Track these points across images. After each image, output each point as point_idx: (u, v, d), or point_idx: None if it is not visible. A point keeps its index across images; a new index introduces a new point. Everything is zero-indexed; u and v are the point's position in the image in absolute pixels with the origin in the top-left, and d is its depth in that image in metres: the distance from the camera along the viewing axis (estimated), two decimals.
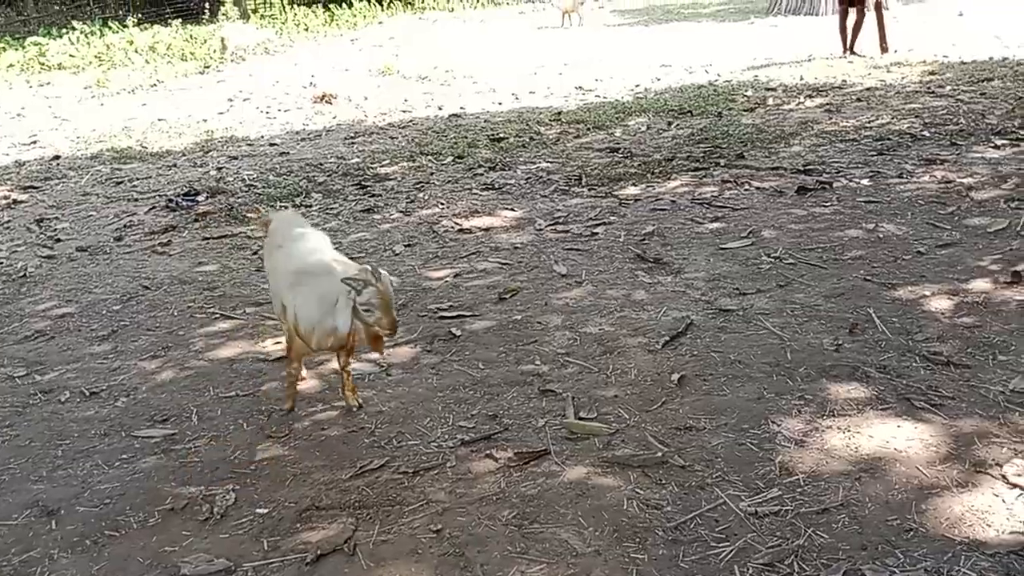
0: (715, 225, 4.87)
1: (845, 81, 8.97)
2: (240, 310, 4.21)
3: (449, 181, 6.27)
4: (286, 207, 5.70)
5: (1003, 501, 2.33)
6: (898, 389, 2.96)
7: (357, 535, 2.43)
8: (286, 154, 7.60)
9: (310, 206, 5.87)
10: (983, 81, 8.40)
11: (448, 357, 3.53)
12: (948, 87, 8.25)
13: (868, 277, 3.94)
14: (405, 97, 10.32)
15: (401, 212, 5.57)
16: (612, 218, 5.16)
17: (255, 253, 5.02)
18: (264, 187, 6.41)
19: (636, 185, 5.81)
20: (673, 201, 5.37)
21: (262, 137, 8.52)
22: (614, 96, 9.42)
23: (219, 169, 7.18)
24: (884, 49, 10.67)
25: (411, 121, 8.85)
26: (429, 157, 7.02)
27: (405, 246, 4.93)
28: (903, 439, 2.66)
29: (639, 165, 6.28)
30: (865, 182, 5.38)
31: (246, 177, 6.76)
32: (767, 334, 3.48)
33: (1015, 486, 2.39)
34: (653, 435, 2.81)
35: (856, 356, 3.22)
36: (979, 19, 13.41)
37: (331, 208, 5.80)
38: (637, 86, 9.94)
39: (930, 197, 5.00)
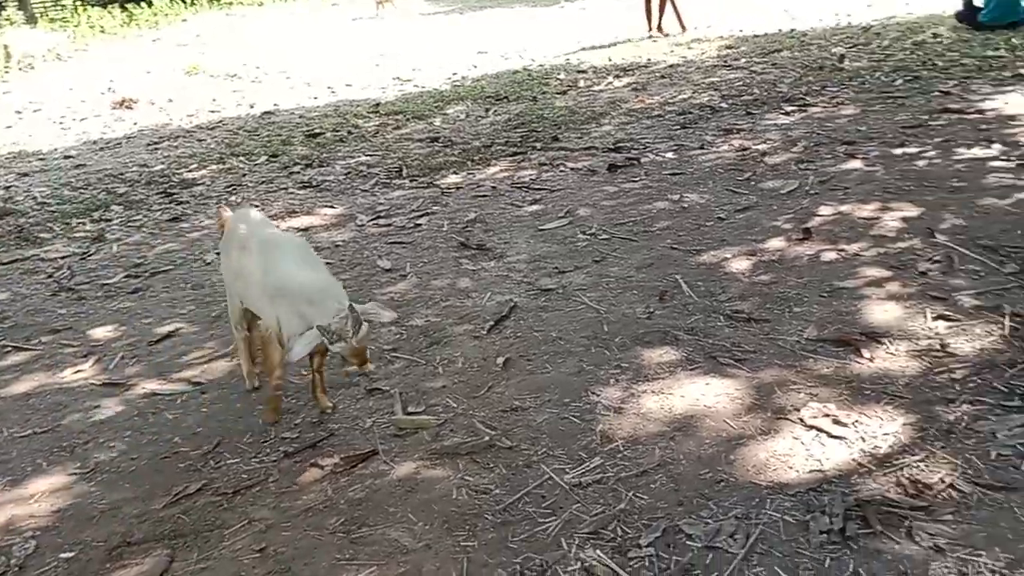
0: (534, 207, 4.95)
1: (650, 60, 9.38)
2: (35, 339, 3.86)
3: (263, 182, 6.03)
4: (83, 223, 5.28)
5: (802, 443, 2.51)
6: (705, 348, 3.13)
7: (174, 567, 2.28)
8: (83, 166, 7.05)
9: (110, 220, 5.48)
10: (773, 52, 9.02)
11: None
12: (743, 60, 8.80)
13: (675, 246, 4.14)
14: (213, 97, 9.84)
15: (211, 219, 5.30)
16: (435, 208, 5.14)
17: (50, 276, 4.62)
18: (58, 204, 5.92)
19: (457, 173, 5.82)
20: (493, 187, 5.42)
21: (56, 150, 7.87)
22: (432, 85, 9.40)
23: (7, 188, 6.56)
24: (683, 28, 11.31)
25: (220, 122, 8.45)
26: (241, 158, 6.72)
27: (217, 254, 4.68)
28: (711, 395, 2.81)
29: (459, 153, 6.30)
30: (670, 155, 5.64)
31: (37, 195, 6.22)
32: (585, 309, 3.57)
33: (811, 427, 2.57)
34: (481, 421, 2.81)
35: (666, 321, 3.37)
36: None
37: (133, 220, 5.44)
38: (454, 74, 9.96)
39: (729, 165, 5.32)
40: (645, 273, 3.87)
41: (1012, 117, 5.66)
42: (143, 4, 20.06)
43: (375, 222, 4.97)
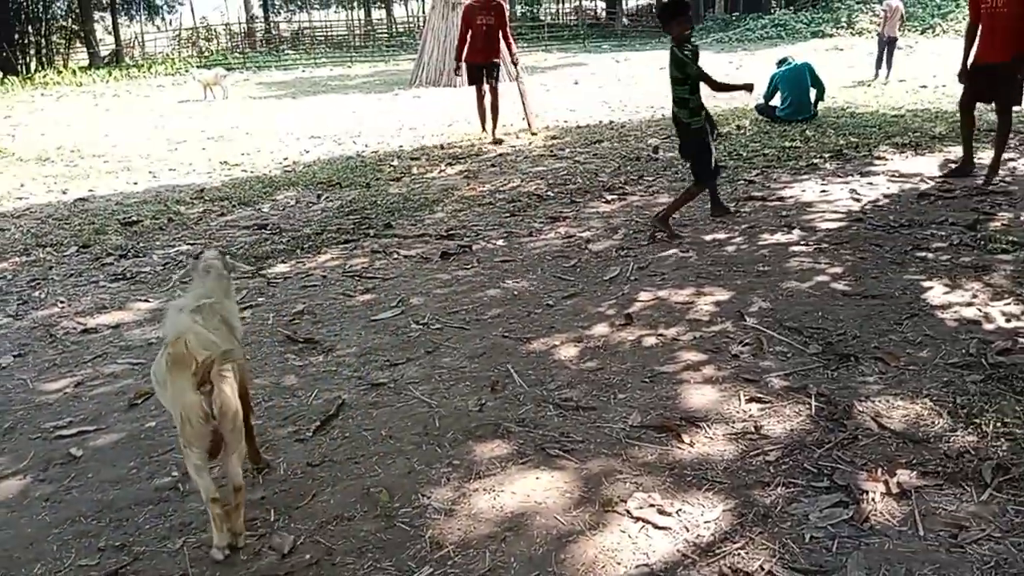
0: (366, 297, 4.87)
1: (481, 149, 9.65)
2: None
3: (72, 275, 5.60)
4: None
5: (629, 536, 2.52)
6: (535, 440, 3.13)
7: None
8: None
9: None
10: (595, 143, 9.53)
11: (67, 483, 3.07)
12: (567, 149, 9.23)
13: (506, 334, 4.17)
14: (22, 183, 9.16)
15: (11, 316, 4.84)
16: (260, 299, 4.94)
17: None
18: None
19: (286, 262, 5.65)
20: (324, 276, 5.29)
21: None
22: (262, 170, 9.20)
23: None
24: (534, 131, 10.38)
25: (27, 209, 7.84)
26: (48, 248, 6.23)
27: (15, 356, 4.27)
28: (542, 490, 2.80)
29: (288, 241, 6.14)
30: (500, 243, 5.76)
31: None
32: (417, 403, 3.50)
33: (637, 519, 2.60)
34: (303, 534, 2.65)
35: (498, 413, 3.36)
36: (591, 87, 15.32)
37: None
38: (285, 159, 9.81)
39: (556, 252, 5.48)
40: (478, 363, 3.87)
41: (808, 204, 6.22)
42: None
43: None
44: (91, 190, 8.62)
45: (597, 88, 15.00)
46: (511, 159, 8.77)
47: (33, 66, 25.08)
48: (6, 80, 19.82)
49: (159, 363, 2.60)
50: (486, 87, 10.08)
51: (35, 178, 9.39)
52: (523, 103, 10.52)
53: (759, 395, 3.37)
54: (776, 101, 9.96)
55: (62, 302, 5.04)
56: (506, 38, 10.14)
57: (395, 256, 5.62)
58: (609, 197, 6.85)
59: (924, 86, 13.08)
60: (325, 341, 4.24)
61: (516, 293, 4.75)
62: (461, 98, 14.76)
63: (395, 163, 9.01)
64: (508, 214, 6.55)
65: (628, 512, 2.64)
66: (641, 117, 11.20)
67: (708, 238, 5.53)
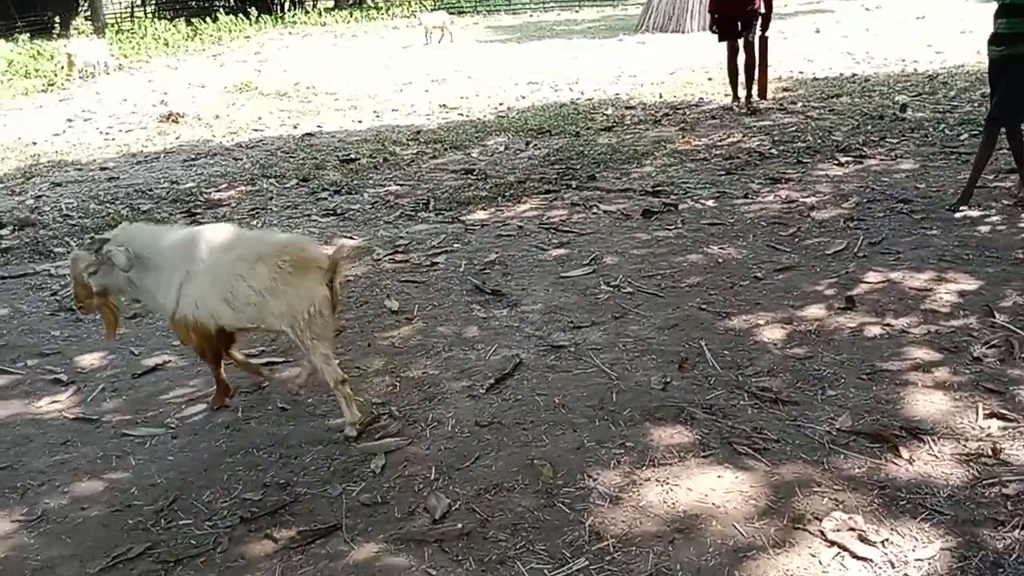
0: (559, 252, 4.67)
1: (702, 99, 9.05)
2: (20, 363, 3.70)
3: (289, 206, 5.87)
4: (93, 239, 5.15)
5: (820, 563, 2.16)
6: (723, 432, 2.79)
7: None
8: (116, 179, 7.00)
9: None
10: (832, 97, 8.62)
11: (247, 412, 3.16)
12: (799, 103, 8.42)
13: (704, 306, 3.80)
14: (260, 115, 9.82)
15: None
16: (456, 246, 4.89)
17: (55, 294, 4.49)
18: (81, 217, 5.83)
19: (485, 209, 5.57)
20: (520, 226, 5.15)
21: (94, 161, 7.86)
22: (477, 115, 9.22)
23: (37, 198, 6.52)
24: (764, 94, 8.46)
25: (261, 140, 8.37)
26: (272, 180, 6.58)
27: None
28: (722, 491, 2.47)
29: (491, 187, 6.05)
30: (710, 203, 5.31)
31: (64, 207, 6.15)
32: (596, 372, 3.26)
33: (833, 543, 2.22)
34: (460, 499, 2.52)
35: (683, 395, 3.04)
36: (834, 37, 13.97)
37: None
38: (501, 104, 9.77)
39: (773, 218, 4.96)
40: (667, 335, 3.55)
41: None
42: (208, 19, 20.46)
43: (392, 257, 4.74)
44: (319, 126, 9.05)
45: (841, 38, 13.63)
46: (734, 111, 8.12)
47: (286, 6, 26.96)
48: (260, 19, 21.47)
49: (252, 277, 2.79)
50: (740, 43, 8.10)
51: (272, 112, 10.03)
52: (762, 60, 8.27)
53: (1002, 410, 2.80)
54: None
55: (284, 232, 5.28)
56: None
57: (595, 210, 5.36)
58: (843, 159, 6.12)
59: None
60: (512, 294, 4.09)
61: (721, 261, 4.33)
62: (688, 45, 14.03)
63: (609, 112, 8.67)
64: (723, 172, 6.05)
65: (822, 533, 2.26)
66: (889, 71, 10.00)
67: (957, 215, 4.76)
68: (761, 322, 3.61)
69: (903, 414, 2.83)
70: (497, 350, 3.52)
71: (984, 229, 4.51)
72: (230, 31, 19.97)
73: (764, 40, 8.16)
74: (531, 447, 2.77)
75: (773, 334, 3.50)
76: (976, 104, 7.63)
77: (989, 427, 2.73)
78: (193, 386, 3.40)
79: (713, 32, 8.39)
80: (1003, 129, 4.82)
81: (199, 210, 5.85)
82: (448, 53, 15.79)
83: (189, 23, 20.26)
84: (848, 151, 6.36)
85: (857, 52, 11.91)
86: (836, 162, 6.08)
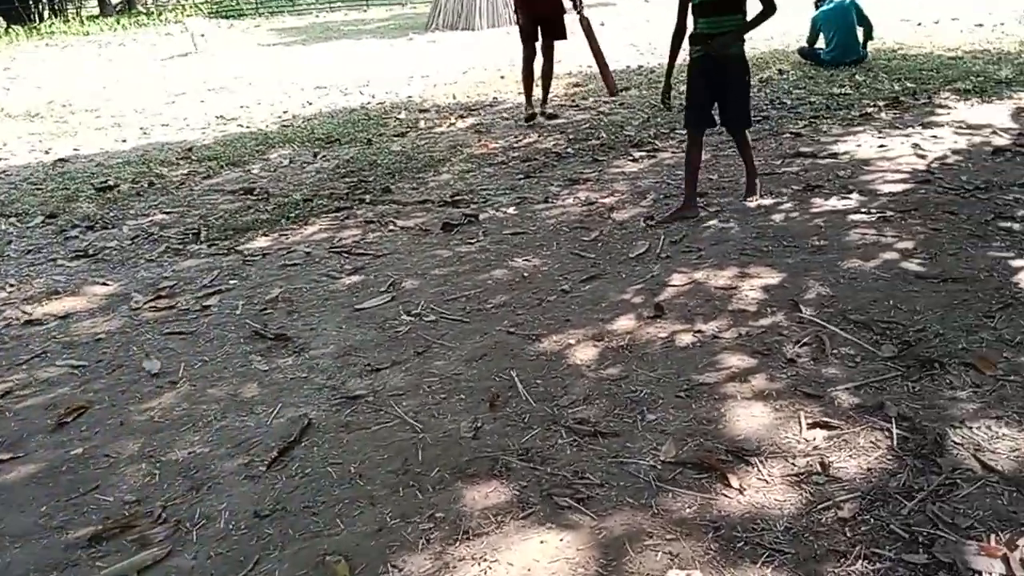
0: (353, 279, 4.21)
1: (496, 99, 8.85)
2: None
3: (31, 250, 4.99)
4: None
5: None
6: (541, 482, 2.47)
7: None
8: None
9: None
10: (622, 91, 8.66)
11: None
12: (591, 99, 8.41)
13: (512, 328, 3.49)
14: (4, 141, 8.55)
15: None
16: (232, 282, 4.30)
17: None
18: None
19: (267, 235, 4.99)
20: (308, 252, 4.63)
21: None
22: (259, 125, 8.50)
23: None
24: (613, 91, 7.41)
25: (4, 172, 7.23)
26: (12, 219, 5.63)
27: None
28: (547, 561, 2.14)
29: (274, 209, 5.47)
30: (512, 211, 5.04)
31: None
32: (398, 425, 2.85)
33: None
34: None
35: (497, 440, 2.70)
36: (616, 29, 14.30)
37: None
38: (285, 112, 9.10)
39: (575, 222, 4.76)
40: (476, 368, 3.20)
41: (866, 161, 5.42)
42: None
43: (153, 304, 4.07)
44: (76, 149, 7.99)
45: (623, 30, 14.00)
46: (535, 121, 7.93)
47: (46, 15, 24.35)
48: (10, 30, 19.17)
49: None
50: (538, 45, 7.35)
51: (20, 136, 8.78)
52: (595, 53, 7.13)
53: (824, 418, 2.68)
54: (820, 44, 9.01)
55: (11, 285, 4.44)
56: None
57: (391, 227, 4.94)
58: (636, 154, 6.07)
59: (980, 24, 11.96)
60: (299, 337, 3.59)
61: (526, 275, 4.05)
62: (479, 43, 13.88)
63: (401, 116, 8.26)
64: (521, 175, 5.81)
65: None
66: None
67: (752, 204, 4.77)
68: (572, 341, 3.35)
69: (726, 434, 2.65)
70: (281, 411, 3.02)
71: (778, 218, 4.52)
72: None
73: (585, 21, 7.06)
74: (322, 537, 2.32)
75: (586, 354, 3.24)
76: (755, 90, 7.90)
77: (814, 438, 2.59)
78: None
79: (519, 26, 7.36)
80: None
81: None
82: (228, 59, 14.72)
83: None
84: (641, 145, 6.33)
85: (640, 43, 12.22)
86: (631, 158, 6.01)
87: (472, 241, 4.59)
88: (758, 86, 8.04)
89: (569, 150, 6.36)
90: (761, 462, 2.49)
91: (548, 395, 2.97)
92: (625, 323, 3.47)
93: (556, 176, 5.70)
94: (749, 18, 4.43)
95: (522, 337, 3.42)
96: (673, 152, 6.07)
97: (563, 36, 7.39)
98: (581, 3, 7.13)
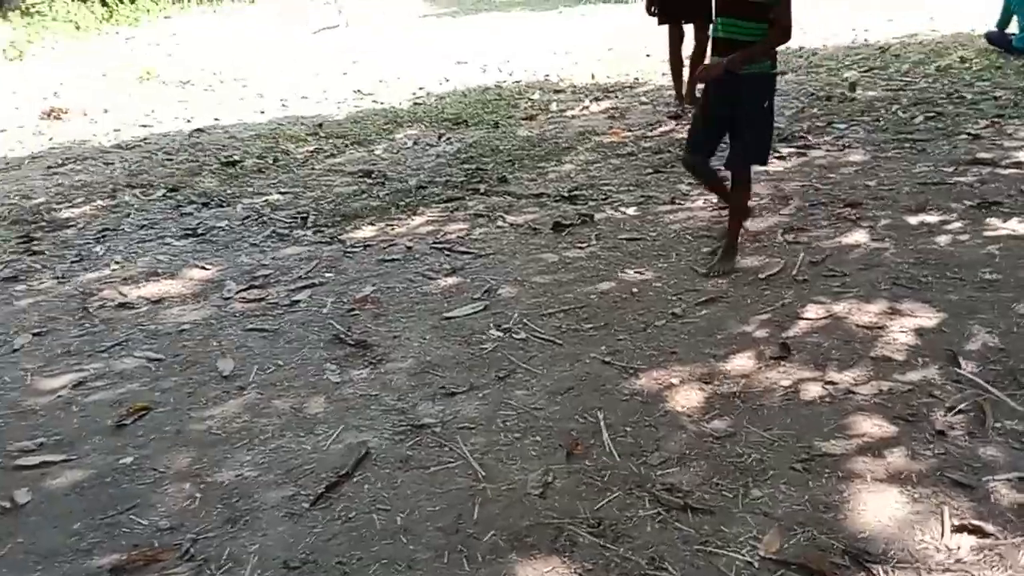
0: (449, 281, 3.90)
1: (637, 79, 8.30)
2: None
3: (145, 225, 5.00)
4: None
5: None
6: (610, 567, 2.07)
7: None
8: None
9: None
10: (778, 74, 7.89)
11: None
12: None
13: (608, 357, 3.07)
14: (153, 108, 8.83)
15: (57, 278, 4.27)
16: (327, 275, 4.09)
17: None
18: None
19: (374, 224, 4.77)
20: (409, 247, 4.36)
21: None
22: (393, 102, 8.35)
23: None
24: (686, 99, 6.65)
25: (144, 139, 7.43)
26: (136, 191, 5.70)
27: (34, 335, 3.65)
28: None
29: (387, 195, 5.25)
30: (632, 211, 4.57)
31: None
32: (460, 468, 2.52)
33: None
34: None
35: (567, 502, 2.32)
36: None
37: None
38: (420, 89, 8.91)
39: (700, 229, 4.25)
40: (559, 404, 2.82)
41: None
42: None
43: (244, 294, 3.93)
44: (216, 119, 8.13)
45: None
46: (669, 94, 7.36)
47: None
48: None
49: None
50: (687, 29, 6.51)
51: (169, 103, 9.06)
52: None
53: (975, 519, 2.13)
54: (1013, 28, 7.84)
55: (117, 263, 4.43)
56: None
57: (500, 223, 4.59)
58: (784, 151, 5.41)
59: None
60: (379, 346, 3.32)
61: (635, 291, 3.61)
62: (630, 17, 13.22)
63: (534, 96, 7.87)
64: (650, 170, 5.31)
65: None
66: (837, 43, 9.31)
67: (913, 220, 4.09)
68: (675, 380, 2.89)
69: (847, 527, 2.14)
70: (342, 434, 2.76)
71: (943, 240, 3.83)
72: (148, 11, 18.66)
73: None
74: None
75: (689, 399, 2.78)
76: (931, 80, 6.98)
77: (959, 547, 2.05)
78: None
79: (652, 15, 6.57)
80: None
81: (38, 234, 4.96)
82: (376, 32, 14.80)
83: (104, 4, 18.89)
84: (791, 140, 5.66)
85: (803, 19, 11.21)
86: (777, 154, 5.35)
87: (583, 245, 4.17)
88: (934, 76, 7.09)
89: None
90: (885, 573, 1.98)
91: (636, 448, 2.54)
92: (742, 363, 2.97)
93: (687, 172, 5.15)
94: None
95: (618, 369, 2.99)
96: (828, 151, 5.37)
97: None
98: None
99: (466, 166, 5.75)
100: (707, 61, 4.14)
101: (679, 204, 4.65)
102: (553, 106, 7.37)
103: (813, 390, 2.77)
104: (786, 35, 3.43)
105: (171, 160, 6.51)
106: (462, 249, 4.27)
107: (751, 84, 3.48)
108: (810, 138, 5.68)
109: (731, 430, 2.60)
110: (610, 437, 2.60)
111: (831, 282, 3.52)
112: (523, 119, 7.00)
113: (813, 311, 3.28)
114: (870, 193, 4.50)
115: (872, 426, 2.54)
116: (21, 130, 8.30)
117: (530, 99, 7.77)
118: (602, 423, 2.67)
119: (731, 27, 3.42)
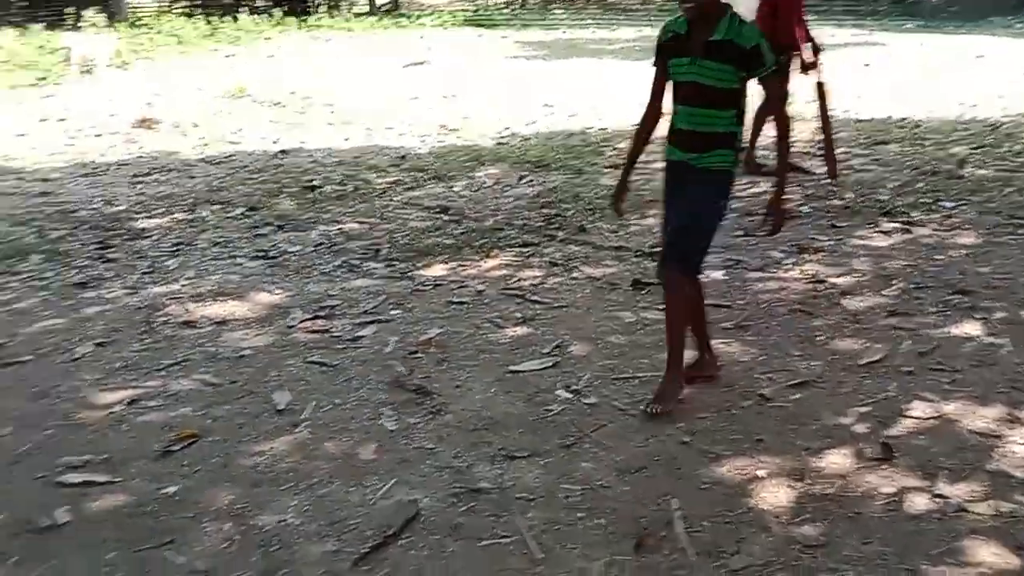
0: (517, 331, 3.70)
1: None
2: None
3: (219, 243, 4.96)
4: None
5: None
6: None
7: None
8: (48, 194, 6.18)
9: (18, 273, 4.49)
10: (878, 144, 7.57)
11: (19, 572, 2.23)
12: (840, 149, 7.37)
13: (687, 437, 2.81)
14: (242, 126, 8.97)
15: (127, 289, 4.24)
16: (394, 312, 3.94)
17: None
18: None
19: (446, 263, 4.61)
20: (480, 291, 4.19)
21: (40, 169, 7.06)
22: (476, 139, 8.29)
23: None
24: (833, 173, 6.07)
25: (231, 156, 7.51)
26: (216, 207, 5.70)
27: (97, 345, 3.59)
28: None
29: (461, 233, 5.10)
30: (719, 275, 4.31)
31: None
32: (515, 546, 2.29)
33: None
34: None
35: None
36: (884, 73, 12.85)
37: (43, 277, 4.43)
38: (506, 129, 8.83)
39: (794, 302, 3.96)
40: (629, 484, 2.57)
41: None
42: (229, 17, 19.84)
43: (310, 323, 3.80)
44: (302, 142, 8.19)
45: (892, 75, 12.54)
46: (763, 153, 7.08)
47: (322, 10, 26.24)
48: (284, 20, 20.79)
49: None
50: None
51: (258, 122, 9.19)
52: (824, 123, 6.15)
53: None
54: None
55: (187, 278, 4.37)
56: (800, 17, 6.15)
57: (576, 274, 4.39)
58: (887, 226, 5.06)
59: None
60: (439, 394, 3.13)
61: (720, 364, 3.34)
62: None
63: (621, 145, 7.68)
64: (740, 232, 5.04)
65: None
66: (943, 116, 8.91)
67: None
68: (761, 473, 2.61)
69: None
70: (392, 489, 2.56)
71: None
72: (249, 32, 19.28)
73: (820, 87, 6.17)
74: None
75: (776, 496, 2.50)
76: None
77: None
78: None
79: None
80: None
81: (114, 242, 4.97)
82: (463, 69, 14.91)
83: (208, 21, 19.60)
84: (894, 215, 5.31)
85: (909, 93, 10.81)
86: (879, 229, 5.03)
87: (661, 307, 3.92)
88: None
89: (803, 208, 5.48)
90: None
91: (715, 547, 2.27)
92: (837, 460, 2.67)
93: (782, 239, 4.86)
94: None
95: (697, 452, 2.73)
96: (934, 229, 5.01)
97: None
98: (817, 57, 6.11)
99: (545, 211, 5.58)
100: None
101: (770, 272, 4.37)
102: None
103: (919, 502, 2.45)
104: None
105: (253, 179, 6.53)
106: (534, 298, 4.08)
107: (708, 177, 2.99)
108: (915, 215, 5.33)
109: (823, 539, 2.30)
110: (685, 531, 2.33)
111: (940, 377, 3.19)
112: (607, 167, 6.82)
113: (920, 409, 2.96)
114: (983, 281, 4.14)
115: (990, 554, 2.22)
116: (114, 136, 8.52)
117: (616, 147, 7.59)
118: (676, 513, 2.41)
119: (692, 117, 2.95)
